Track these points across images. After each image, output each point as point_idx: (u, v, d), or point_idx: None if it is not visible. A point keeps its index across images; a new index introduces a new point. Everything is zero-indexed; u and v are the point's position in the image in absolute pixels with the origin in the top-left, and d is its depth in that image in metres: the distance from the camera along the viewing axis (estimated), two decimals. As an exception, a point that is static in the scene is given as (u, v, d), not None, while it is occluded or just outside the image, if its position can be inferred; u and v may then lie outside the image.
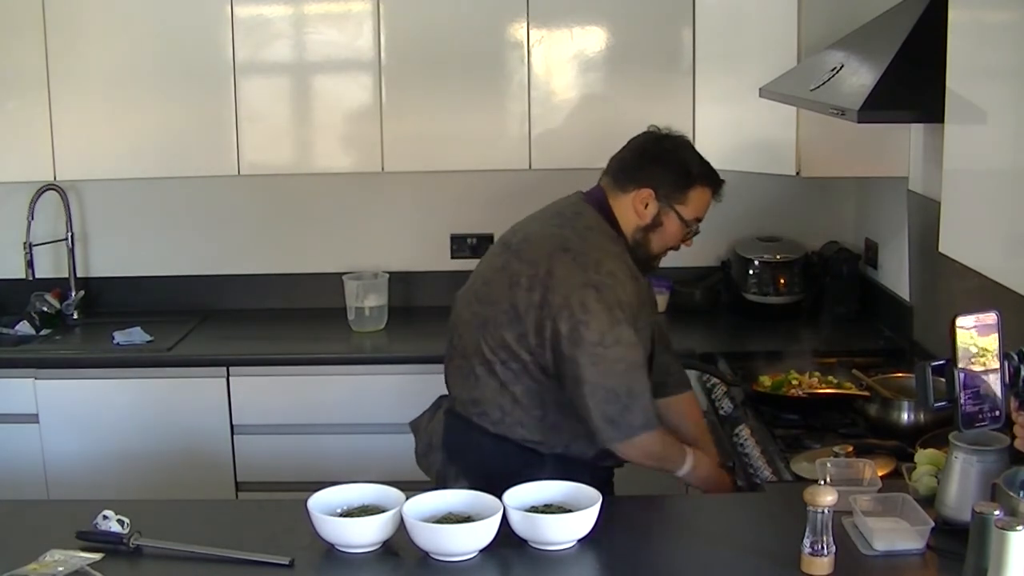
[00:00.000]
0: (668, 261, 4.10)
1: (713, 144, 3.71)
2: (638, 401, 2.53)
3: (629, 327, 2.53)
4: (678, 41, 3.73)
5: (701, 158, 2.75)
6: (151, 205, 4.19)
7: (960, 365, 1.86)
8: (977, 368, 1.86)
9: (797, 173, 3.48)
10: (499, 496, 2.19)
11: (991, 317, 1.88)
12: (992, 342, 1.87)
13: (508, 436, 2.62)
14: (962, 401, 1.86)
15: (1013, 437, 2.01)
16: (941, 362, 1.90)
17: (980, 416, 1.88)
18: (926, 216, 3.18)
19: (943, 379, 1.89)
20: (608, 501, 2.20)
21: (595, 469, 2.63)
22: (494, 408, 2.63)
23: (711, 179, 2.72)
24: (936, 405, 1.91)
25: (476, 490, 2.23)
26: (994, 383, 1.87)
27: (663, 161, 2.70)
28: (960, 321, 1.86)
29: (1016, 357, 1.89)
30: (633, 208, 2.69)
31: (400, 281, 4.10)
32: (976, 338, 1.87)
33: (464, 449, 2.71)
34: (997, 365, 1.87)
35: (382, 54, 3.74)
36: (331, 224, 4.20)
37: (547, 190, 4.12)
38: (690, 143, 2.80)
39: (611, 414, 2.51)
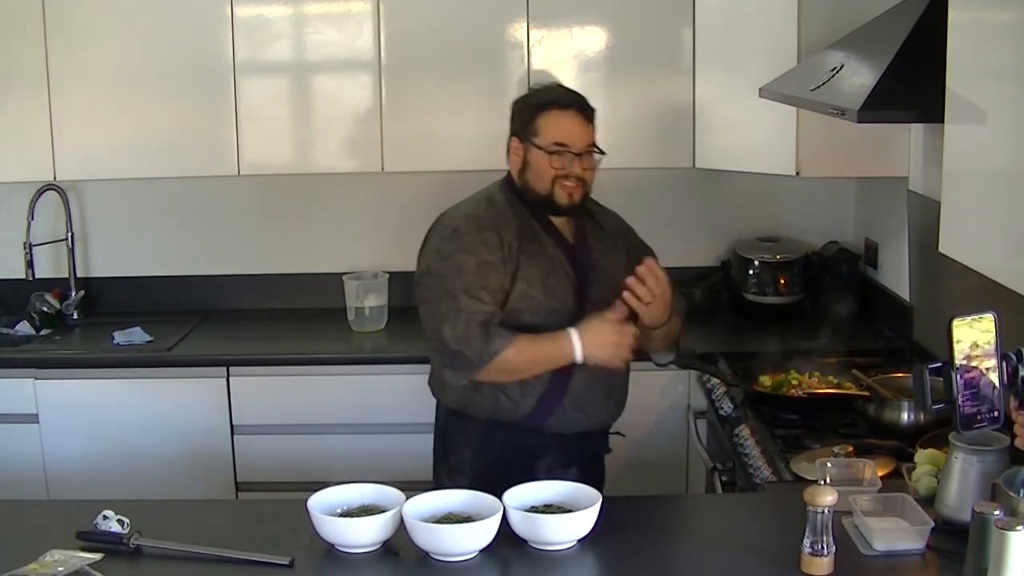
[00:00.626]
0: (668, 261, 4.12)
1: (713, 144, 3.72)
2: (466, 344, 2.59)
3: (460, 290, 2.62)
4: (678, 41, 3.73)
5: (547, 88, 2.75)
6: (151, 205, 4.19)
7: (957, 366, 1.85)
8: (975, 369, 1.86)
9: (797, 173, 3.48)
10: (495, 492, 2.20)
11: (988, 318, 1.88)
12: (989, 343, 1.87)
13: (449, 406, 2.78)
14: (960, 402, 1.86)
15: (1013, 436, 2.01)
16: (938, 364, 1.90)
17: (979, 417, 1.88)
18: (926, 216, 3.18)
19: (941, 380, 1.89)
20: (608, 501, 2.20)
21: (537, 433, 2.71)
22: (435, 380, 2.80)
23: (555, 101, 2.67)
24: (934, 407, 1.91)
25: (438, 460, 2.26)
26: (992, 384, 1.87)
27: (514, 108, 2.77)
28: (957, 322, 1.86)
29: (1014, 357, 1.89)
30: (510, 162, 2.76)
31: (400, 281, 4.09)
32: (973, 339, 1.86)
33: (436, 428, 2.89)
34: (995, 366, 1.87)
35: (382, 54, 3.74)
36: (331, 224, 4.20)
37: (547, 190, 4.15)
38: (546, 85, 2.79)
39: (447, 362, 2.63)
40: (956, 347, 1.85)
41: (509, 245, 2.66)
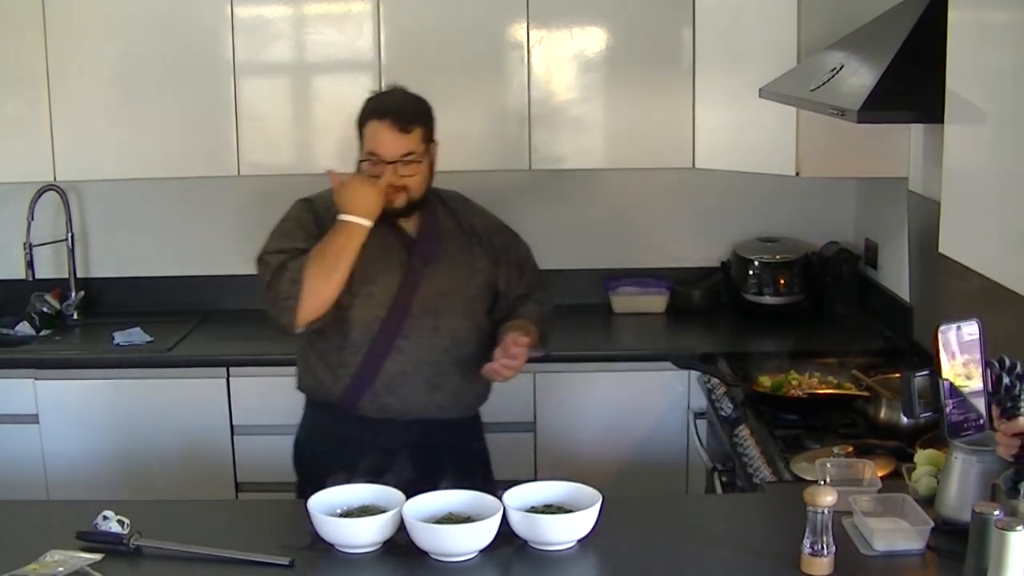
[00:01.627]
0: (668, 261, 4.14)
1: (713, 144, 3.72)
2: (274, 283, 2.66)
3: (264, 252, 2.72)
4: (678, 41, 3.73)
5: (378, 96, 2.79)
6: (151, 205, 4.19)
7: (944, 374, 1.85)
8: (961, 377, 1.86)
9: (797, 173, 3.49)
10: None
11: (972, 325, 1.88)
12: (975, 350, 1.88)
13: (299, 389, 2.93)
14: (948, 410, 1.86)
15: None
16: (925, 372, 1.90)
17: (966, 424, 1.88)
18: (926, 216, 3.18)
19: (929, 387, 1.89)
20: (608, 501, 2.20)
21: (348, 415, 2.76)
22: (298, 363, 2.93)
23: (375, 111, 2.71)
24: (922, 415, 1.92)
25: None
26: (978, 391, 1.87)
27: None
28: (943, 330, 1.86)
29: (997, 364, 1.89)
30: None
31: (400, 281, 4.09)
32: (959, 347, 1.86)
33: None
34: (979, 373, 1.87)
35: (382, 54, 3.74)
36: (331, 224, 4.19)
37: (547, 190, 4.15)
38: (385, 90, 2.86)
39: (271, 308, 2.68)
40: (943, 355, 1.85)
41: (324, 225, 2.71)
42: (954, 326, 1.87)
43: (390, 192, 2.68)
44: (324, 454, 2.75)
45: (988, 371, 1.88)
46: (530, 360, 3.64)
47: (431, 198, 2.81)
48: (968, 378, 1.88)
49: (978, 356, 1.88)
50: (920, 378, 1.90)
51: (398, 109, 2.69)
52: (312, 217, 2.75)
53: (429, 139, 2.74)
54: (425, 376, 2.75)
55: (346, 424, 2.76)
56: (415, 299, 2.73)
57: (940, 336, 1.85)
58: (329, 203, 2.73)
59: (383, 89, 2.86)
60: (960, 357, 1.85)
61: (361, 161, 2.72)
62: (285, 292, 2.64)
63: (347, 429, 2.76)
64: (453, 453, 2.77)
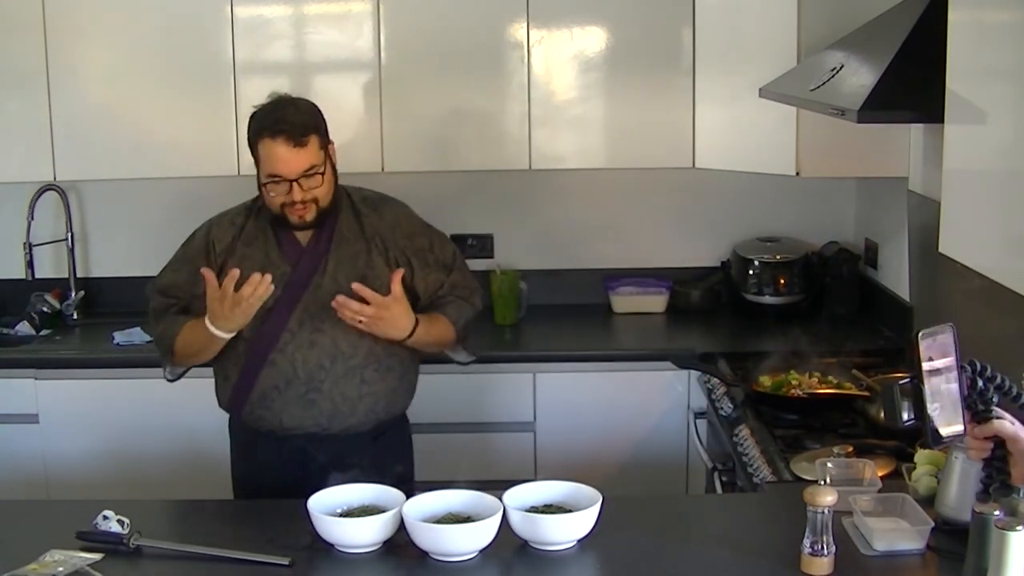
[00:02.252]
0: (668, 261, 4.14)
1: (713, 144, 3.72)
2: (153, 333, 2.82)
3: (157, 290, 2.80)
4: (678, 41, 3.73)
5: (265, 110, 2.66)
6: (151, 205, 4.19)
7: (926, 380, 1.85)
8: (942, 382, 1.86)
9: (797, 173, 3.49)
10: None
11: (946, 330, 1.87)
12: (951, 357, 1.88)
13: None
14: (931, 417, 1.85)
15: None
16: (907, 380, 1.90)
17: (946, 432, 1.88)
18: (926, 216, 3.18)
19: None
20: (608, 501, 2.19)
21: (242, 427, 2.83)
22: None
23: (266, 129, 2.61)
24: (906, 423, 1.91)
25: None
26: (956, 396, 1.87)
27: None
28: (923, 336, 1.85)
29: (969, 368, 1.89)
30: None
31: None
32: (939, 352, 1.86)
33: None
34: (956, 378, 1.87)
35: (382, 54, 3.74)
36: (331, 224, 4.19)
37: (547, 190, 4.16)
38: (271, 101, 2.70)
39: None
40: (925, 363, 1.85)
41: (212, 245, 2.74)
42: (932, 332, 1.86)
43: (299, 208, 2.63)
44: (234, 458, 2.91)
45: (962, 375, 1.88)
46: (527, 360, 3.67)
47: (339, 201, 2.75)
48: (948, 383, 1.88)
49: (954, 362, 1.88)
50: (903, 386, 1.90)
51: (290, 123, 2.60)
52: (205, 245, 2.76)
53: (325, 143, 2.68)
54: (298, 392, 2.69)
55: (238, 430, 2.85)
56: (293, 313, 2.69)
57: (921, 343, 1.85)
58: (227, 215, 2.79)
59: (266, 101, 2.70)
60: (939, 362, 1.85)
61: (263, 184, 2.64)
62: (159, 339, 2.80)
63: (239, 434, 2.86)
64: (340, 473, 2.56)
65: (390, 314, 2.63)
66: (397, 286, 2.63)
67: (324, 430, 2.73)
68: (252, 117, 2.66)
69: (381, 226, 2.78)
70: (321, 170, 2.63)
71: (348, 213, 2.77)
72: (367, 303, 2.60)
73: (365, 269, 2.72)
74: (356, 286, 2.61)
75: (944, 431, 1.87)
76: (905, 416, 1.90)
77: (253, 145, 2.65)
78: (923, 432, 1.87)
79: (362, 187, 2.88)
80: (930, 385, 1.84)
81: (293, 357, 2.69)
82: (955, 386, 1.86)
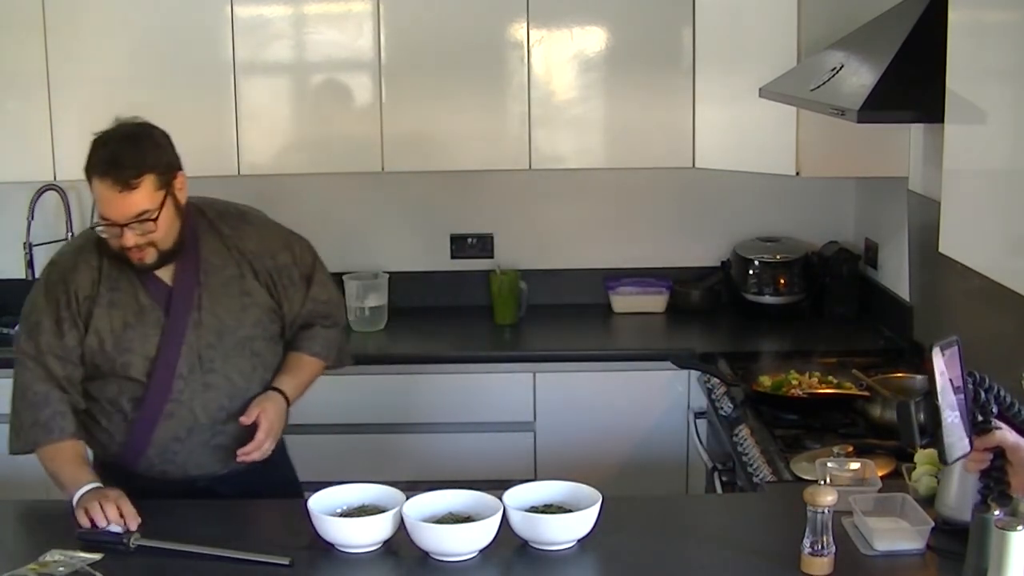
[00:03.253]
0: (668, 261, 4.14)
1: (713, 144, 3.72)
2: (17, 416, 2.50)
3: (30, 355, 2.48)
4: (678, 41, 3.73)
5: (100, 142, 2.43)
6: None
7: (940, 397, 1.83)
8: (951, 398, 1.85)
9: (797, 173, 3.49)
10: None
11: (953, 343, 1.86)
12: (958, 368, 1.86)
13: None
14: (945, 434, 1.84)
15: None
16: (920, 399, 1.88)
17: (958, 446, 1.87)
18: (926, 216, 3.18)
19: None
20: (608, 501, 2.19)
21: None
22: None
23: (94, 167, 2.40)
24: (922, 444, 1.89)
25: None
26: (962, 409, 1.86)
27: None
28: (935, 351, 1.83)
29: (970, 380, 1.88)
30: None
31: (400, 281, 4.10)
32: (948, 366, 1.84)
33: None
34: (963, 391, 1.86)
35: (382, 54, 3.74)
36: (331, 224, 4.19)
37: (547, 190, 4.16)
38: (111, 128, 2.48)
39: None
40: (939, 378, 1.82)
41: (75, 295, 2.48)
42: (943, 345, 1.84)
43: (135, 252, 2.42)
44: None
45: (966, 387, 1.87)
46: (527, 360, 3.67)
47: (197, 226, 2.55)
48: (957, 397, 1.86)
49: (959, 374, 1.87)
50: (918, 405, 1.87)
51: (117, 164, 2.36)
52: (65, 297, 2.49)
53: (166, 181, 2.42)
54: (202, 438, 2.54)
55: (129, 480, 2.48)
56: (180, 357, 2.49)
57: (935, 358, 1.83)
58: (76, 259, 2.51)
59: (109, 128, 2.47)
60: (951, 376, 1.84)
61: (95, 226, 2.45)
62: (17, 427, 2.51)
63: (134, 485, 2.45)
64: (244, 499, 2.59)
65: (274, 426, 2.52)
66: (248, 419, 2.49)
67: (230, 468, 2.59)
68: (91, 145, 2.44)
69: (246, 247, 2.60)
70: (154, 215, 2.38)
71: (209, 235, 2.57)
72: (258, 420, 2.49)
73: (243, 298, 2.56)
74: (242, 419, 2.48)
75: (957, 447, 1.85)
76: (920, 434, 1.87)
77: (88, 179, 2.42)
78: (938, 449, 1.84)
79: (215, 200, 2.68)
80: (944, 401, 1.82)
81: (191, 404, 2.51)
82: (963, 399, 1.85)
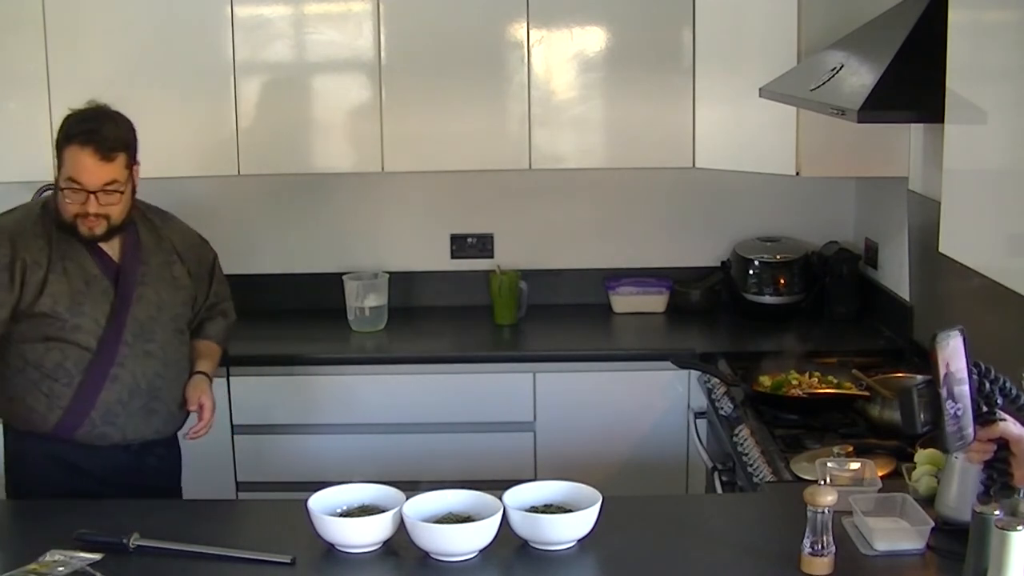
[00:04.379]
0: (668, 261, 4.15)
1: (713, 144, 3.72)
2: None
3: None
4: (678, 41, 3.73)
5: (82, 115, 2.66)
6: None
7: (941, 386, 1.84)
8: (955, 388, 1.85)
9: (797, 173, 3.49)
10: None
11: (957, 334, 1.86)
12: (962, 359, 1.86)
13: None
14: (948, 423, 1.84)
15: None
16: (922, 384, 1.89)
17: (961, 436, 1.87)
18: (926, 216, 3.18)
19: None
20: (608, 501, 2.19)
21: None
22: None
23: (76, 136, 2.61)
24: (923, 429, 1.90)
25: None
26: (966, 400, 1.86)
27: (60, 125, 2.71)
28: (939, 341, 1.84)
29: (975, 371, 1.88)
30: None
31: (400, 281, 4.10)
32: (952, 356, 1.85)
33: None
34: (967, 382, 1.86)
35: (382, 54, 3.74)
36: (331, 224, 4.20)
37: (547, 190, 4.16)
38: (88, 108, 2.69)
39: None
40: (941, 367, 1.83)
41: (23, 260, 2.65)
42: (946, 335, 1.85)
43: (90, 220, 2.64)
44: (34, 478, 2.75)
45: (971, 378, 1.87)
46: (527, 360, 3.67)
47: (134, 216, 2.77)
48: (960, 387, 1.87)
49: (963, 365, 1.87)
50: (920, 390, 1.88)
51: (102, 135, 2.61)
52: (8, 258, 2.66)
53: (132, 163, 2.69)
54: (141, 403, 2.74)
55: (59, 450, 2.72)
56: (126, 325, 2.72)
57: (938, 347, 1.83)
58: (27, 228, 2.69)
59: (85, 107, 2.70)
60: (954, 366, 1.84)
61: (61, 188, 2.64)
62: None
63: (60, 454, 2.73)
64: (165, 473, 2.87)
65: (215, 403, 2.86)
66: (193, 405, 2.81)
67: (161, 435, 2.82)
68: (66, 119, 2.65)
69: (173, 237, 2.89)
70: (122, 188, 2.65)
71: (144, 225, 2.82)
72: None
73: (174, 280, 2.84)
74: (189, 407, 2.81)
75: (959, 436, 1.85)
76: (922, 421, 1.88)
77: (60, 148, 2.63)
78: (940, 438, 1.85)
79: (141, 200, 2.84)
80: (946, 390, 1.83)
81: (133, 369, 2.72)
82: (967, 389, 1.85)
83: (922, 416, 1.89)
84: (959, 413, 1.84)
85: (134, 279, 2.75)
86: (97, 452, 2.72)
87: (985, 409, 1.89)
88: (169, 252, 2.85)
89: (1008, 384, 1.92)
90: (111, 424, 2.72)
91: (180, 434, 2.90)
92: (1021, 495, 1.90)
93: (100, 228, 2.67)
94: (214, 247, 4.17)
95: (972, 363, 1.88)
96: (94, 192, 2.61)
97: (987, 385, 1.89)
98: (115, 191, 2.63)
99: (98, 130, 2.61)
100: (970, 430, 1.86)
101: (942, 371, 1.82)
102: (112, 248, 2.74)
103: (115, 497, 2.62)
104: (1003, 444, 1.91)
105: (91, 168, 2.60)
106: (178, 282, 2.84)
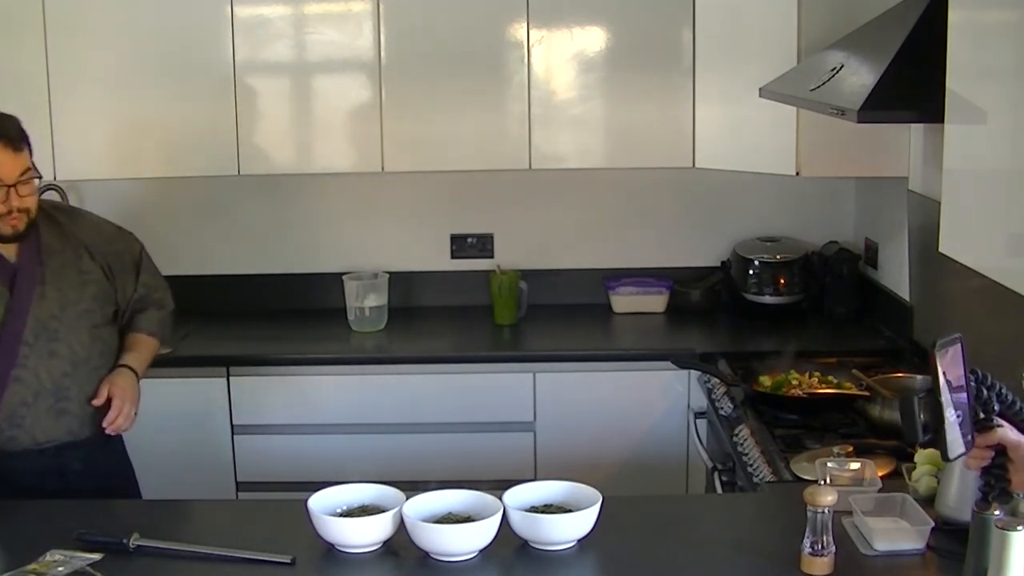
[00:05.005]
0: (668, 261, 4.15)
1: (713, 144, 3.72)
2: None
3: None
4: (678, 41, 3.73)
5: None
6: (151, 205, 4.19)
7: (942, 394, 1.83)
8: (954, 395, 1.85)
9: (797, 173, 3.49)
10: None
11: (956, 342, 1.86)
12: (961, 366, 1.86)
13: None
14: (948, 432, 1.84)
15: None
16: (923, 394, 1.88)
17: (961, 443, 1.87)
18: (926, 216, 3.18)
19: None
20: (608, 501, 2.19)
21: None
22: None
23: None
24: (925, 438, 1.90)
25: None
26: (965, 408, 1.86)
27: None
28: (938, 350, 1.83)
29: (973, 377, 1.88)
30: None
31: (400, 281, 4.10)
32: (952, 364, 1.84)
33: None
34: (965, 389, 1.86)
35: (382, 54, 3.74)
36: (331, 224, 4.20)
37: (547, 190, 4.16)
38: None
39: None
40: (941, 376, 1.83)
41: None
42: (945, 343, 1.85)
43: (13, 217, 2.62)
44: None
45: (968, 385, 1.87)
46: (527, 360, 3.67)
47: (37, 216, 2.73)
48: (959, 395, 1.87)
49: (962, 372, 1.87)
50: (922, 399, 1.88)
51: (6, 128, 2.64)
52: None
53: (31, 154, 2.69)
54: (48, 404, 2.69)
55: None
56: (26, 326, 2.67)
57: (938, 356, 1.83)
58: None
59: None
60: (952, 374, 1.84)
61: None
62: None
63: None
64: (94, 477, 2.76)
65: (128, 394, 2.75)
66: (100, 399, 2.72)
67: (75, 437, 2.74)
68: None
69: (82, 233, 2.82)
70: (36, 176, 2.67)
71: (47, 224, 2.78)
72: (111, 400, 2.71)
73: (82, 275, 2.77)
74: (95, 402, 2.72)
75: (958, 444, 1.85)
76: (924, 429, 1.88)
77: None
78: (940, 446, 1.85)
79: (45, 198, 2.85)
80: (946, 398, 1.82)
81: (36, 369, 2.67)
82: (965, 396, 1.85)
83: (923, 424, 1.88)
84: (957, 421, 1.83)
85: (33, 281, 2.70)
86: (12, 458, 2.67)
87: (983, 416, 1.89)
88: (76, 249, 2.78)
89: (1005, 391, 1.92)
90: (18, 427, 2.67)
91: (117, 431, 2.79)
92: (1020, 499, 1.90)
93: (22, 223, 2.65)
94: (213, 247, 4.21)
95: (970, 370, 1.88)
96: (12, 185, 2.60)
97: (985, 392, 1.89)
98: (30, 179, 2.63)
99: (5, 128, 2.65)
100: (969, 437, 1.86)
101: (942, 379, 1.81)
102: (8, 250, 2.70)
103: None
104: (1001, 450, 1.91)
105: (6, 161, 2.60)
106: (88, 276, 2.77)
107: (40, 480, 2.69)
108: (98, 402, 2.72)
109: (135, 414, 2.76)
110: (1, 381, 2.65)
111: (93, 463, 2.77)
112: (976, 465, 1.92)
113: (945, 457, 1.84)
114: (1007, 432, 1.89)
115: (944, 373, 1.82)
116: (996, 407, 1.90)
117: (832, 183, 4.03)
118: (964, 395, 1.86)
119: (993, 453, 1.90)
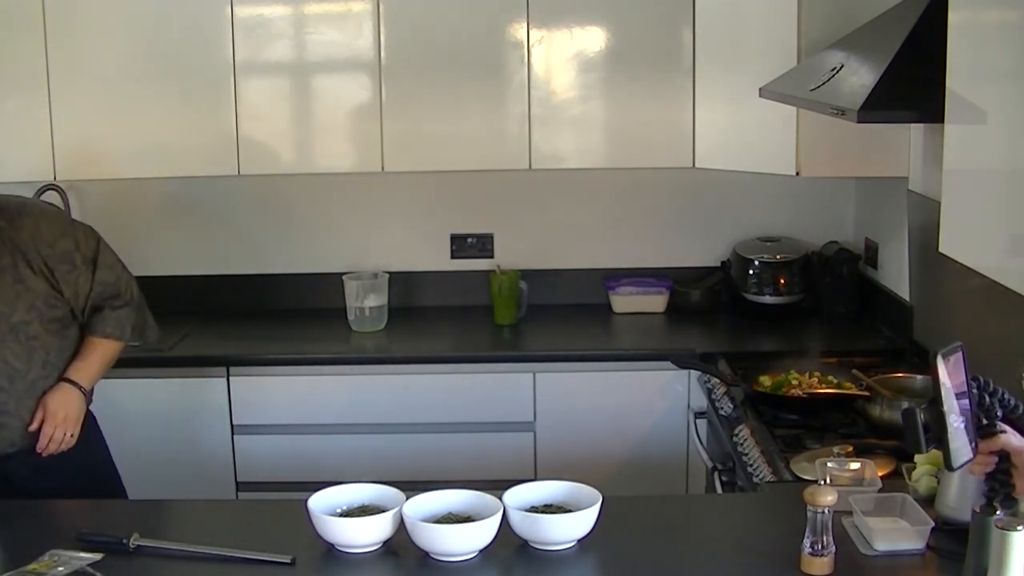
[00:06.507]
0: (668, 261, 4.15)
1: (713, 144, 3.73)
2: None
3: None
4: (678, 41, 3.73)
5: None
6: (151, 205, 4.19)
7: (945, 403, 1.83)
8: (956, 405, 1.85)
9: (797, 173, 3.49)
10: None
11: (957, 350, 1.85)
12: (963, 373, 1.86)
13: None
14: (952, 441, 1.83)
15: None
16: (925, 405, 1.87)
17: (964, 451, 1.87)
18: (926, 216, 3.18)
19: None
20: (608, 501, 2.19)
21: None
22: None
23: None
24: (928, 449, 1.89)
25: None
26: (967, 415, 1.86)
27: None
28: (940, 359, 1.82)
29: (975, 384, 1.88)
30: None
31: (400, 281, 4.10)
32: (953, 372, 1.84)
33: None
34: (967, 397, 1.86)
35: (382, 54, 3.74)
36: (331, 224, 4.20)
37: (547, 190, 4.16)
38: None
39: None
40: (943, 384, 1.82)
41: None
42: (947, 352, 1.84)
43: None
44: None
45: (970, 392, 1.87)
46: (527, 360, 3.67)
47: None
48: (961, 403, 1.86)
49: (963, 380, 1.86)
50: (925, 410, 1.87)
51: None
52: None
53: None
54: None
55: None
56: None
57: (940, 365, 1.82)
58: None
59: None
60: (954, 383, 1.84)
61: None
62: None
63: None
64: (46, 481, 2.71)
65: (65, 412, 2.71)
66: (35, 424, 2.68)
67: (18, 448, 2.70)
68: None
69: (20, 239, 2.68)
70: None
71: None
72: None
73: (16, 285, 2.66)
74: (30, 428, 2.67)
75: (962, 452, 1.84)
76: (926, 440, 1.87)
77: None
78: (944, 455, 1.84)
79: None
80: (949, 406, 1.82)
81: None
82: (967, 404, 1.85)
83: (925, 435, 1.87)
84: (960, 429, 1.83)
85: None
86: None
87: (985, 422, 1.89)
88: (11, 255, 2.66)
89: (1007, 396, 1.92)
90: None
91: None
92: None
93: None
94: (213, 247, 4.21)
95: (972, 376, 1.88)
96: None
97: (987, 398, 1.89)
98: None
99: None
100: (973, 444, 1.86)
101: (944, 389, 1.81)
102: None
103: None
104: (1004, 456, 1.91)
105: None
106: (23, 286, 2.66)
107: None
108: (33, 427, 2.68)
109: (72, 436, 2.72)
110: None
111: (43, 468, 2.71)
112: (980, 471, 1.92)
113: (949, 465, 1.82)
114: (1010, 438, 1.89)
115: (946, 381, 1.81)
116: (999, 412, 1.90)
117: (832, 183, 4.03)
118: (967, 402, 1.85)
119: (996, 459, 1.90)
